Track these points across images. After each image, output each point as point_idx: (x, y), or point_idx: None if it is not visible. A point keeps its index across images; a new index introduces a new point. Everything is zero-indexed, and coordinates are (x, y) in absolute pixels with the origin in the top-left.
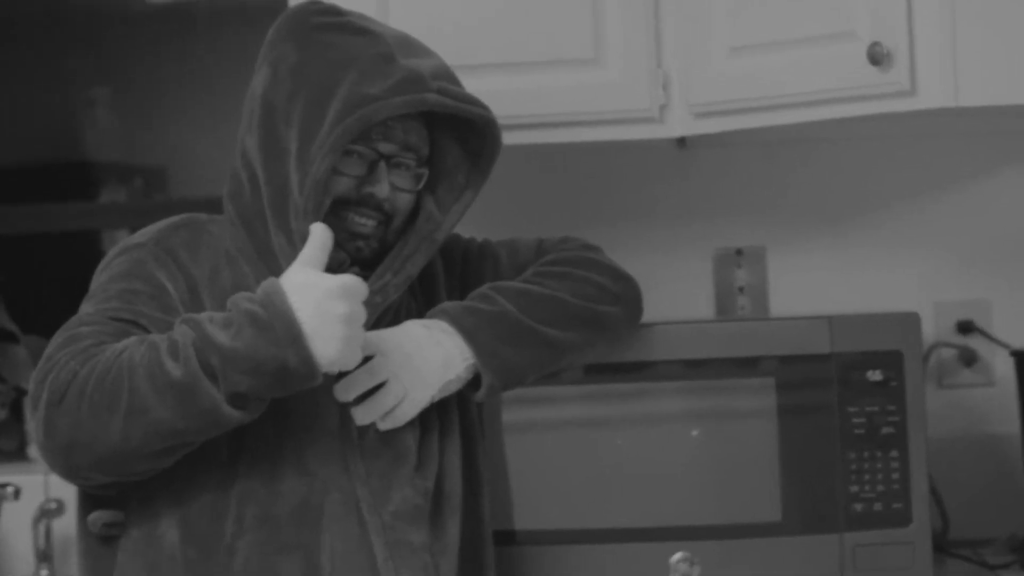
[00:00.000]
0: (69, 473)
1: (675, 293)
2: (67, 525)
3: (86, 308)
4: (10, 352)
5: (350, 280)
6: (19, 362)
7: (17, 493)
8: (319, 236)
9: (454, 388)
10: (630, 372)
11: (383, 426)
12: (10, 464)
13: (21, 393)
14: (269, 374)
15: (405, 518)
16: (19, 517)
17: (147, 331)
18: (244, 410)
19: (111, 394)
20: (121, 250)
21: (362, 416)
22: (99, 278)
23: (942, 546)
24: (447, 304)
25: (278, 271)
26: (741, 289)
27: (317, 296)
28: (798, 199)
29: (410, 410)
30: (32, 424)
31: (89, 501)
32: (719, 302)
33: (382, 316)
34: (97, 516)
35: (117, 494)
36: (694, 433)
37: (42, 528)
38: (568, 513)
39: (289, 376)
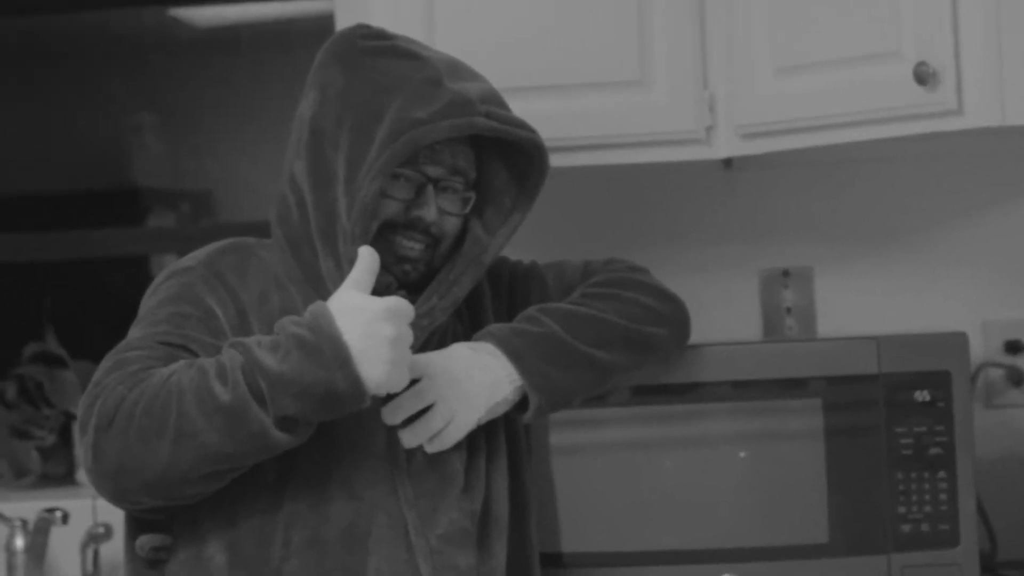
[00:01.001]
0: (117, 497)
1: (722, 314)
2: (115, 550)
3: (135, 332)
4: (59, 377)
5: (397, 302)
6: (68, 387)
7: (65, 518)
8: (366, 259)
9: (501, 410)
10: (677, 393)
11: (430, 449)
12: (59, 489)
13: (70, 418)
14: (317, 397)
15: (452, 541)
16: (67, 542)
17: (196, 355)
18: (292, 434)
19: (160, 418)
20: (170, 274)
21: (409, 439)
22: (148, 302)
23: (990, 567)
24: (494, 326)
25: (326, 295)
26: (788, 310)
27: (364, 319)
28: (845, 219)
29: (457, 433)
30: (80, 449)
31: (136, 525)
32: (766, 323)
33: (429, 339)
34: (145, 540)
35: (164, 518)
36: (741, 454)
37: (90, 553)
38: (615, 535)
39: (337, 399)
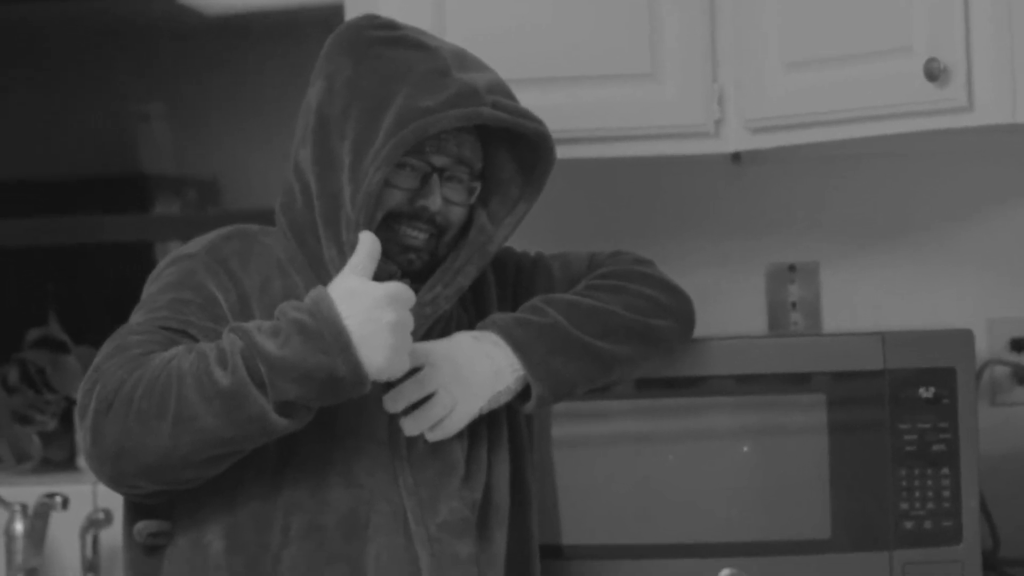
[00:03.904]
0: (116, 481)
1: (728, 308)
2: (115, 535)
3: (136, 317)
4: (61, 362)
5: (397, 287)
6: (70, 372)
7: (65, 503)
8: (367, 245)
9: (504, 400)
10: (681, 387)
11: (432, 437)
12: (59, 474)
13: (71, 403)
14: (317, 382)
15: (452, 530)
16: (67, 527)
17: (196, 340)
18: (292, 418)
19: (159, 402)
20: (172, 260)
21: (411, 427)
22: (150, 288)
23: (992, 564)
24: (497, 316)
25: (328, 282)
26: (794, 304)
27: (365, 304)
28: (852, 215)
29: (459, 421)
30: (80, 432)
31: (135, 510)
32: (772, 317)
33: (432, 327)
34: (143, 526)
35: (163, 503)
36: (744, 449)
37: (90, 538)
38: (616, 528)
39: (337, 384)
